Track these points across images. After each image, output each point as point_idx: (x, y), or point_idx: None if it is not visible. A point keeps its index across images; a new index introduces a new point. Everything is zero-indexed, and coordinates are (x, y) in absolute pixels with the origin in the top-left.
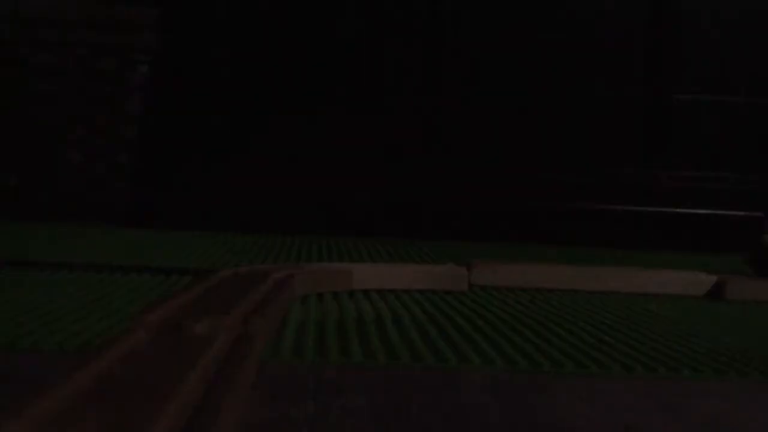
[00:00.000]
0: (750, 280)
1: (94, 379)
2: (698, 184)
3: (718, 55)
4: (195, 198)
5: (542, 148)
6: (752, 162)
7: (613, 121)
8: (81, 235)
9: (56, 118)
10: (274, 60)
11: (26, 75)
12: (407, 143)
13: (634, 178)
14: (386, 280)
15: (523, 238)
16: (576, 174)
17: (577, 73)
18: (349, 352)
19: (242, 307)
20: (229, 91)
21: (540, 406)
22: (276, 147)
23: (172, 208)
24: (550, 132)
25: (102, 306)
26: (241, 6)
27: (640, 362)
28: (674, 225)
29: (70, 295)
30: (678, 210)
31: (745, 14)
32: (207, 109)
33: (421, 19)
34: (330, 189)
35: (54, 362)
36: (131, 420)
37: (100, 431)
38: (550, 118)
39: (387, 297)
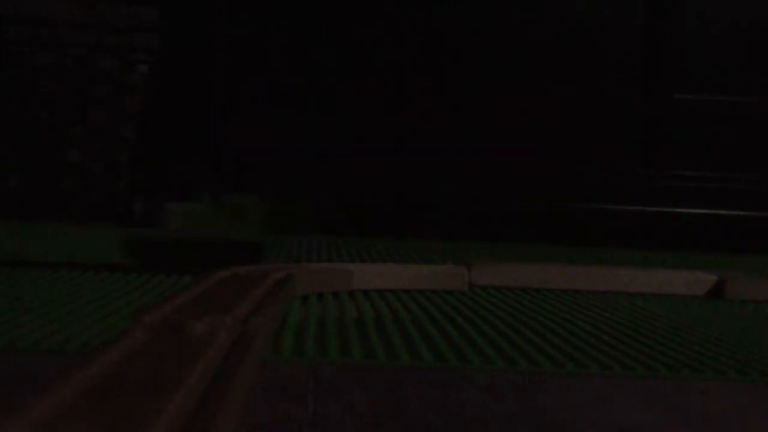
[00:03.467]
0: (750, 280)
1: (94, 379)
2: (698, 184)
3: (718, 55)
4: (195, 198)
5: (542, 149)
6: (753, 162)
7: (613, 121)
8: (81, 235)
9: (56, 118)
10: (274, 60)
11: (26, 75)
12: (408, 144)
13: (634, 178)
14: (386, 280)
15: (523, 238)
16: (576, 174)
17: (577, 74)
18: (349, 352)
19: (242, 307)
20: (229, 90)
21: (540, 406)
22: (276, 147)
23: (172, 207)
24: (549, 132)
25: (102, 306)
26: (241, 6)
27: (640, 362)
28: (674, 225)
29: (70, 295)
30: (678, 210)
31: (746, 14)
32: (207, 109)
33: (421, 18)
34: (330, 189)
35: (54, 362)
36: (131, 420)
37: (100, 431)
38: (550, 119)
39: (387, 297)
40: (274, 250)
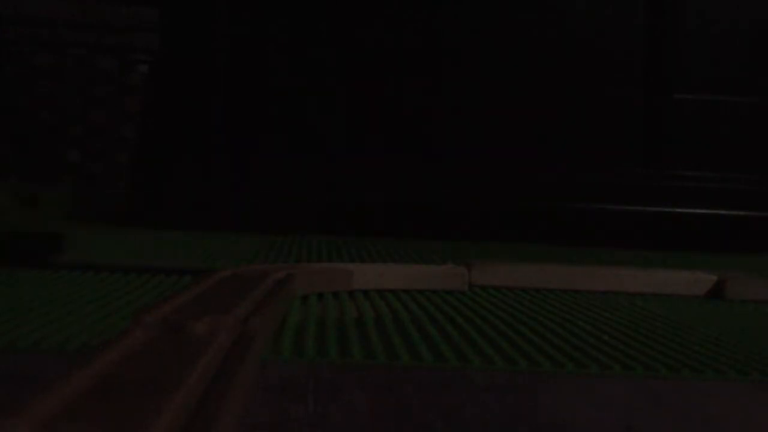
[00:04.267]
0: (750, 280)
1: (94, 379)
2: (698, 184)
3: (718, 55)
4: (195, 198)
5: (542, 148)
6: (753, 162)
7: (613, 121)
8: (81, 235)
9: (56, 118)
10: (275, 60)
11: (26, 75)
12: (407, 143)
13: (634, 178)
14: (386, 280)
15: (523, 238)
16: (576, 174)
17: (576, 73)
18: (349, 352)
19: (242, 307)
20: (229, 90)
21: (540, 406)
22: (276, 147)
23: (172, 208)
24: (549, 132)
25: (102, 306)
26: (241, 6)
27: (640, 362)
28: (674, 225)
29: (70, 295)
30: (678, 210)
31: (746, 14)
32: (207, 109)
33: (421, 18)
34: (330, 189)
35: (54, 362)
36: (131, 420)
37: (100, 431)
38: (550, 118)
39: (387, 297)
40: (273, 251)
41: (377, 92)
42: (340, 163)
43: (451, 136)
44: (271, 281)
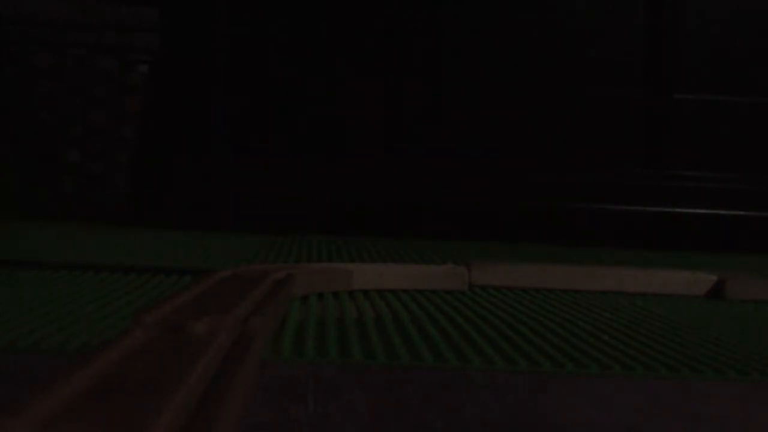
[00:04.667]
0: (750, 280)
1: (94, 379)
2: (698, 184)
3: (718, 55)
4: (195, 198)
5: (542, 148)
6: (753, 162)
7: (613, 121)
8: (81, 235)
9: (56, 118)
10: (276, 60)
11: (26, 75)
12: (407, 143)
13: (634, 178)
14: (386, 280)
15: (523, 238)
16: (576, 174)
17: (576, 73)
18: (349, 352)
19: (242, 307)
20: (229, 91)
21: (540, 406)
22: (276, 147)
23: (172, 208)
24: (549, 132)
25: (102, 306)
26: (241, 6)
27: (640, 362)
28: (674, 225)
29: (70, 295)
30: (678, 210)
31: (746, 13)
32: (207, 109)
33: (421, 18)
34: (330, 189)
35: (54, 362)
36: (131, 419)
37: (100, 431)
38: (550, 118)
39: (387, 297)
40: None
41: (377, 92)
42: (340, 163)
43: (451, 136)
44: (271, 281)
